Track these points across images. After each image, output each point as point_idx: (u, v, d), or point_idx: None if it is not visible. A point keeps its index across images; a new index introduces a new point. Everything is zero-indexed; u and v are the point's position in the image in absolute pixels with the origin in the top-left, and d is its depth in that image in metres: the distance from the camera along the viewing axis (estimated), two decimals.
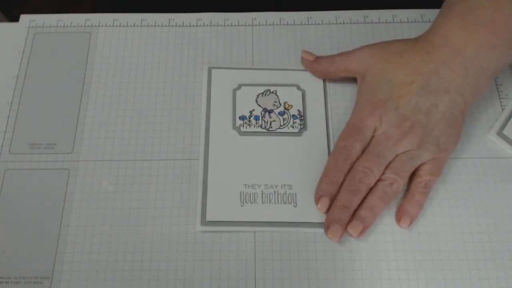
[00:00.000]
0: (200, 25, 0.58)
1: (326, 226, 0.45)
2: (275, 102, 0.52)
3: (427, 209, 0.48)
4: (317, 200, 0.46)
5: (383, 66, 0.48)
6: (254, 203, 0.48)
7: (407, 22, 0.57)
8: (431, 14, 0.58)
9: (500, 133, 0.51)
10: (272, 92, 0.53)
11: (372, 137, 0.47)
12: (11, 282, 0.45)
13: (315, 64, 0.52)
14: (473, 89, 0.46)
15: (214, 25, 0.58)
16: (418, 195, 0.46)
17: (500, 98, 0.53)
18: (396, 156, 0.46)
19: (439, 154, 0.46)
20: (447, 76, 0.46)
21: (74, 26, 0.58)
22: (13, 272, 0.45)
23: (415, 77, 0.46)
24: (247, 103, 0.52)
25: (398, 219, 0.46)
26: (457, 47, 0.46)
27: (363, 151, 0.47)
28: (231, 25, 0.58)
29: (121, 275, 0.45)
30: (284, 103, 0.52)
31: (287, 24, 0.58)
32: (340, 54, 0.52)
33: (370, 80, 0.49)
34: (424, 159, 0.46)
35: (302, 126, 0.51)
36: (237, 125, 0.51)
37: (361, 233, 0.45)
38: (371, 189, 0.46)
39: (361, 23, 0.58)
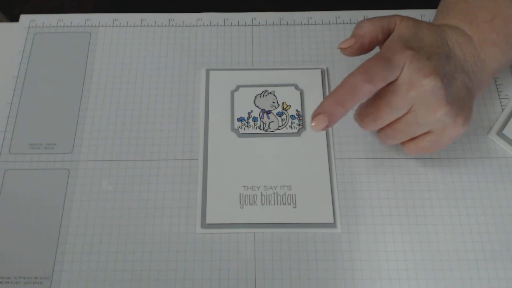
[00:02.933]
0: (200, 25, 0.58)
1: (314, 115, 0.40)
2: (273, 102, 0.52)
3: (427, 209, 0.48)
4: (314, 116, 0.40)
5: (413, 23, 0.44)
6: (254, 205, 0.48)
7: None
8: (431, 14, 0.58)
9: (500, 133, 0.51)
10: (270, 93, 0.53)
11: (395, 79, 0.41)
12: (11, 282, 0.45)
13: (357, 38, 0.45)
14: (477, 81, 0.45)
15: (214, 25, 0.58)
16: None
17: (500, 98, 0.53)
18: (408, 111, 0.41)
19: (446, 131, 0.42)
20: (461, 58, 0.44)
21: (74, 26, 0.58)
22: (13, 272, 0.46)
23: (442, 45, 0.43)
24: (245, 105, 0.52)
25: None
26: (467, 35, 0.45)
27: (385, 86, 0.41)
28: (231, 25, 0.58)
29: (121, 275, 0.45)
30: (282, 103, 0.52)
31: (287, 24, 0.58)
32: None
33: (401, 29, 0.44)
34: (432, 128, 0.42)
35: (300, 126, 0.51)
36: (236, 127, 0.51)
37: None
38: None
39: None
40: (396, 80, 0.41)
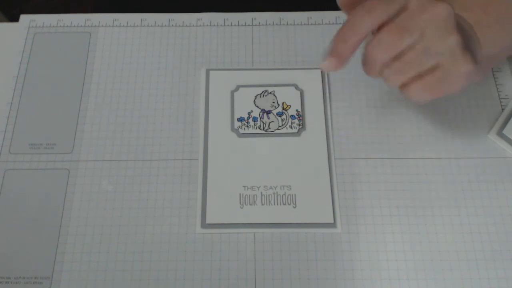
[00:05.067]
0: (200, 25, 0.58)
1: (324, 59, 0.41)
2: (273, 102, 0.52)
3: (427, 209, 0.48)
4: (324, 59, 0.41)
5: None
6: (254, 205, 0.48)
7: None
8: None
9: (500, 133, 0.51)
10: (270, 93, 0.53)
11: (402, 9, 0.40)
12: (11, 282, 0.45)
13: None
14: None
15: (214, 25, 0.58)
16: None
17: (500, 98, 0.53)
18: (419, 38, 0.39)
19: (455, 65, 0.40)
20: (460, 24, 0.42)
21: (74, 26, 0.58)
22: (13, 272, 0.46)
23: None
24: (245, 105, 0.52)
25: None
26: (460, 16, 0.44)
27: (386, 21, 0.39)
28: (231, 25, 0.58)
29: (121, 275, 0.45)
30: (282, 103, 0.52)
31: (287, 24, 0.58)
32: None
33: None
34: (441, 60, 0.40)
35: (300, 126, 0.51)
36: (236, 127, 0.51)
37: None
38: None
39: None
40: (406, 8, 0.39)
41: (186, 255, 0.46)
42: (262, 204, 0.48)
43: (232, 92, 0.53)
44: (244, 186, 0.48)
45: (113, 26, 0.58)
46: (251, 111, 0.52)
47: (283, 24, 0.58)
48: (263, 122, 0.51)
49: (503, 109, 0.52)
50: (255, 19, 0.58)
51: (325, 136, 0.51)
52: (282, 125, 0.51)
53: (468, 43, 0.41)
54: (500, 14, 0.45)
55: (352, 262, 0.46)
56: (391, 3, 0.39)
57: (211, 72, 0.55)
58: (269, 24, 0.58)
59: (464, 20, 0.44)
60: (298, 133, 0.51)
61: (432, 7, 0.39)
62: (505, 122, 0.51)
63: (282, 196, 0.48)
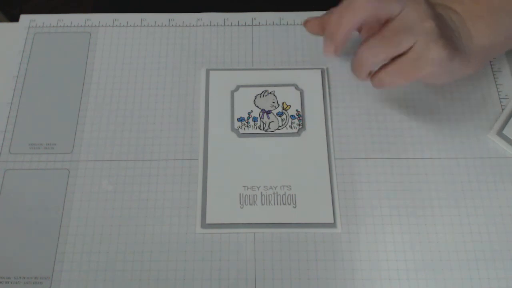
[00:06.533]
0: (200, 25, 0.58)
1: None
2: (273, 102, 0.52)
3: (427, 209, 0.48)
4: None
5: None
6: (254, 205, 0.48)
7: None
8: None
9: (500, 133, 0.51)
10: (270, 93, 0.53)
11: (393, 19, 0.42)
12: (11, 282, 0.45)
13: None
14: (464, 47, 0.44)
15: (214, 25, 0.58)
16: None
17: (500, 98, 0.53)
18: (399, 13, 0.41)
19: (428, 48, 0.41)
20: (446, 17, 0.44)
21: (74, 26, 0.58)
22: (13, 272, 0.46)
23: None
24: (245, 105, 0.52)
25: None
26: (450, 8, 0.45)
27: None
28: (231, 25, 0.58)
29: (121, 275, 0.45)
30: (282, 103, 0.52)
31: (287, 24, 0.58)
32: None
33: None
34: (416, 40, 0.41)
35: (300, 126, 0.51)
36: (236, 127, 0.51)
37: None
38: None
39: None
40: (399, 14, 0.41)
41: (186, 255, 0.46)
42: (262, 204, 0.48)
43: (232, 92, 0.53)
44: (244, 186, 0.48)
45: (113, 26, 0.58)
46: (251, 111, 0.52)
47: (283, 24, 0.58)
48: (263, 122, 0.51)
49: (503, 109, 0.52)
50: (255, 19, 0.58)
51: (325, 136, 0.51)
52: (282, 125, 0.51)
53: (446, 33, 0.42)
54: (491, 5, 0.46)
55: (352, 262, 0.46)
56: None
57: (211, 72, 0.55)
58: (269, 24, 0.58)
59: (452, 14, 0.45)
60: (298, 133, 0.51)
61: None
62: (505, 122, 0.51)
63: (282, 196, 0.48)
